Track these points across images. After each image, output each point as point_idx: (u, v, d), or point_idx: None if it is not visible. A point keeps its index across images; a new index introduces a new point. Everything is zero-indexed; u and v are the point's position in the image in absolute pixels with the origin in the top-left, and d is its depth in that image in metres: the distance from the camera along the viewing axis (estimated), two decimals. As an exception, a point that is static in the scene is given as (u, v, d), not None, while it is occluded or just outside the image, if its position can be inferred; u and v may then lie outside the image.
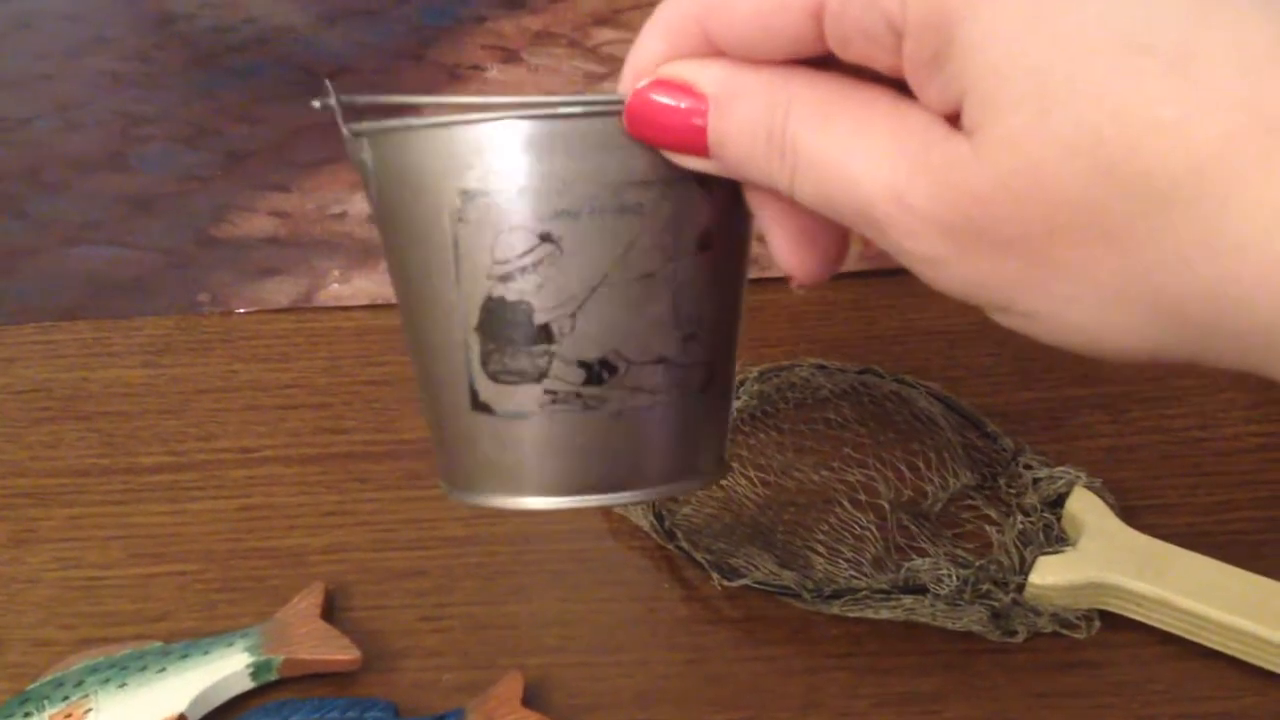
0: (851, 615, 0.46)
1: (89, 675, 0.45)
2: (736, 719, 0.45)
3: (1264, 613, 0.44)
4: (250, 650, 0.45)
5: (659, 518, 0.50)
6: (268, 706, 0.44)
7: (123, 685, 0.44)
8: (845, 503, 0.51)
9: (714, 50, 0.28)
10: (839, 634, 0.47)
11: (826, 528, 0.50)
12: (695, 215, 0.32)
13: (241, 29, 0.55)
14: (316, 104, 0.34)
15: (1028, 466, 0.51)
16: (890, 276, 0.62)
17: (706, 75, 0.27)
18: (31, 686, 0.44)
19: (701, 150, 0.28)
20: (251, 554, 0.51)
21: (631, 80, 0.29)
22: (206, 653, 0.45)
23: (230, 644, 0.46)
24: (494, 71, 0.56)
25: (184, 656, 0.45)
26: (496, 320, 0.33)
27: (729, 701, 0.45)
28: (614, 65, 0.57)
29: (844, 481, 0.52)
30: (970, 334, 0.60)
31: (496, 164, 0.31)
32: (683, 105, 0.28)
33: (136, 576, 0.50)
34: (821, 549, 0.49)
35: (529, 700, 0.44)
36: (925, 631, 0.46)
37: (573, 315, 0.32)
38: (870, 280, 0.62)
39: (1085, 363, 0.57)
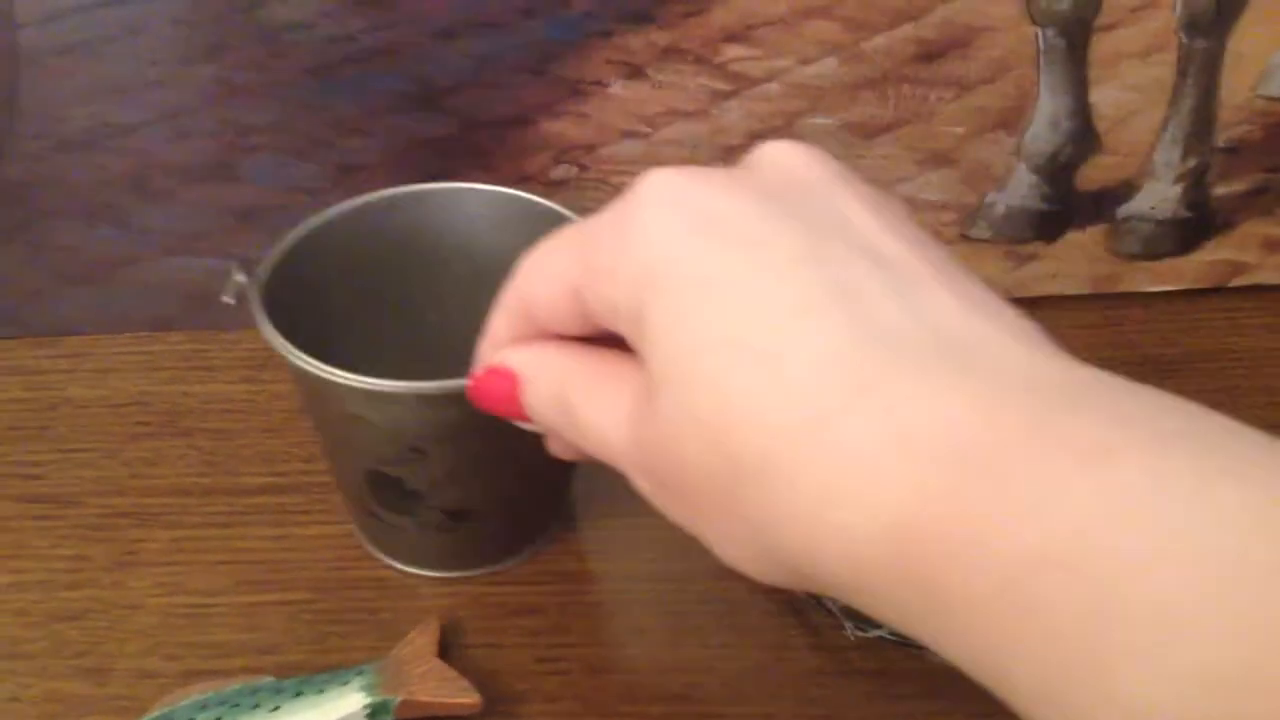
0: (991, 671, 0.44)
1: (198, 713, 0.43)
2: (870, 778, 0.42)
3: None
4: (366, 690, 0.43)
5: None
6: (385, 751, 0.42)
7: (235, 724, 0.42)
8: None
9: (538, 328, 0.34)
10: (976, 690, 0.44)
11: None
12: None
13: (359, 40, 0.53)
14: (229, 299, 0.45)
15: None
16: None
17: (516, 358, 0.35)
18: (142, 722, 0.43)
19: (524, 416, 0.35)
20: (361, 584, 0.49)
21: (481, 356, 0.37)
22: (321, 691, 0.44)
23: (346, 682, 0.44)
24: (617, 87, 0.54)
25: (298, 694, 0.43)
26: (379, 482, 0.46)
27: (861, 758, 0.43)
28: (741, 83, 0.55)
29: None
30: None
31: (376, 406, 0.43)
32: (504, 385, 0.35)
33: (243, 605, 0.48)
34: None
35: (653, 751, 0.42)
36: (1068, 691, 0.44)
37: (436, 486, 0.46)
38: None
39: (1222, 406, 0.54)
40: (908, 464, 0.25)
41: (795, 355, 0.26)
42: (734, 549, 0.29)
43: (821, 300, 0.27)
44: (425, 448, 0.44)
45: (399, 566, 0.50)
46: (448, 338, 0.48)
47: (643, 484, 0.31)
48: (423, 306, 0.52)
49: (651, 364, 0.29)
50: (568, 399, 0.33)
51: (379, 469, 0.45)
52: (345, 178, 0.56)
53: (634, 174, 0.58)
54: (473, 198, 0.50)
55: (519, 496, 0.48)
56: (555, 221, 0.48)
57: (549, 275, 0.33)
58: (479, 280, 0.51)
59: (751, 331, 0.27)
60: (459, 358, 0.44)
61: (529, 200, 0.49)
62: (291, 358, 0.43)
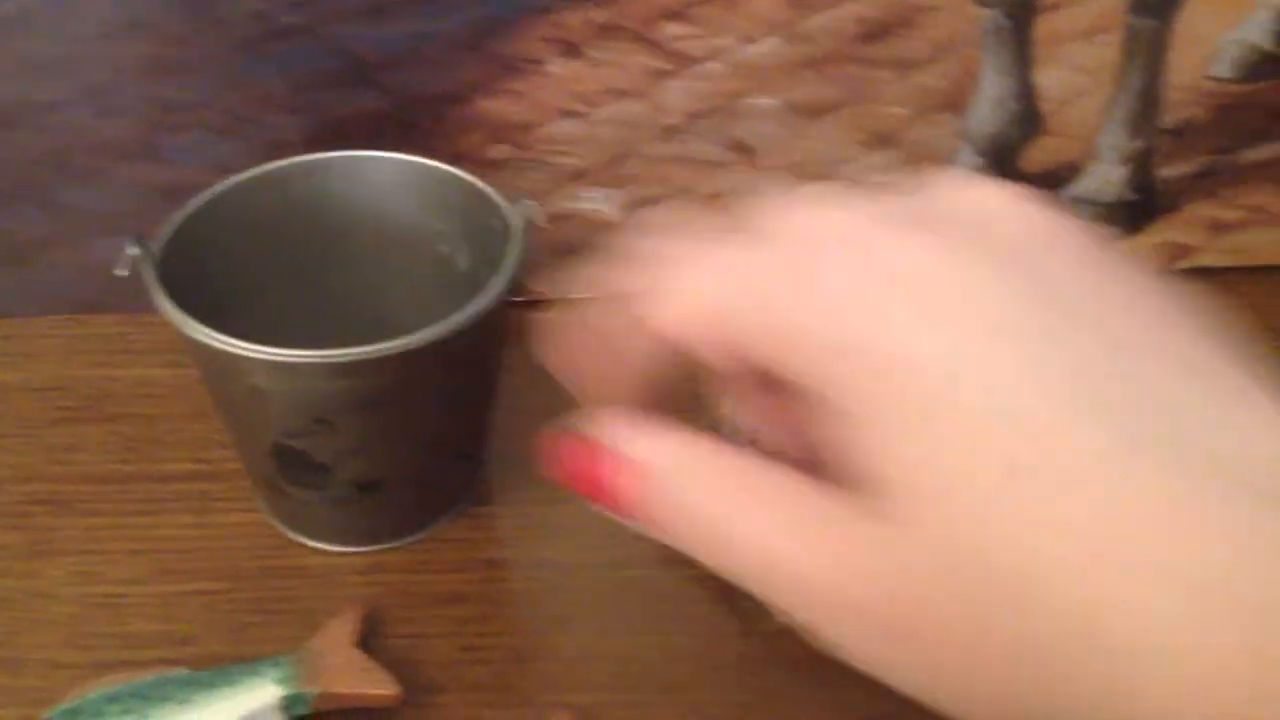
0: (924, 660, 0.43)
1: (108, 704, 0.42)
2: (799, 768, 0.42)
3: None
4: (282, 682, 0.42)
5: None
6: (299, 744, 0.41)
7: (144, 717, 0.41)
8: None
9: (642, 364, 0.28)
10: (909, 679, 0.44)
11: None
12: (430, 396, 0.44)
13: (287, 15, 0.52)
14: (122, 272, 0.44)
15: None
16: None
17: (649, 449, 0.28)
18: (46, 716, 0.41)
19: (624, 509, 0.28)
20: (283, 572, 0.48)
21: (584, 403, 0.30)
22: (235, 683, 0.42)
23: (261, 674, 0.43)
24: (555, 66, 0.53)
25: (211, 687, 0.42)
26: (286, 456, 0.45)
27: (791, 749, 0.42)
28: (682, 61, 0.54)
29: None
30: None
31: (277, 376, 0.42)
32: (615, 473, 0.28)
33: (161, 594, 0.47)
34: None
35: (577, 742, 0.41)
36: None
37: (344, 458, 0.45)
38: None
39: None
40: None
41: (1119, 498, 0.21)
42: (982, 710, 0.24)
43: (1133, 428, 0.22)
44: (332, 419, 0.43)
45: (307, 542, 0.48)
46: (355, 307, 0.47)
47: (847, 627, 0.25)
48: (329, 277, 0.50)
49: (894, 490, 0.23)
50: (717, 511, 0.27)
51: (284, 442, 0.44)
52: (274, 156, 0.54)
53: (572, 154, 0.57)
54: (378, 166, 0.49)
55: (430, 467, 0.47)
56: (463, 190, 0.47)
57: (702, 314, 0.26)
58: (386, 250, 0.50)
59: (1049, 464, 0.22)
60: (366, 327, 0.43)
61: (435, 168, 0.48)
62: (188, 330, 0.42)
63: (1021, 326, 0.23)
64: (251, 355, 0.41)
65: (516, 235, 0.45)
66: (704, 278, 0.27)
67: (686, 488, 0.27)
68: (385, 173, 0.49)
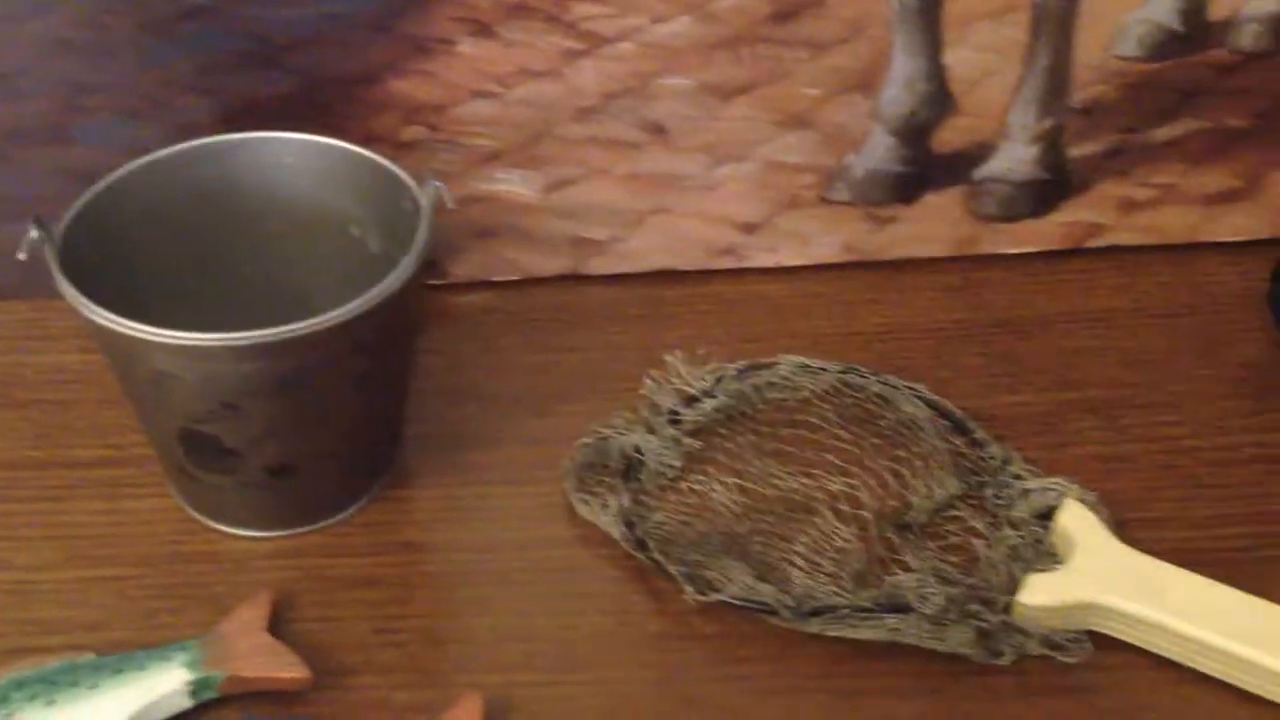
0: (831, 634, 0.44)
1: (14, 691, 0.41)
2: (708, 743, 0.42)
3: (1264, 638, 0.42)
4: (189, 666, 0.42)
5: (629, 525, 0.47)
6: (207, 728, 0.41)
7: (51, 702, 0.41)
8: (827, 512, 0.48)
9: None
10: (818, 653, 0.44)
11: (807, 539, 0.47)
12: (342, 380, 0.44)
13: (193, -5, 0.51)
14: (21, 255, 0.43)
15: (1017, 476, 0.49)
16: (873, 269, 0.60)
17: None
18: (-49, 704, 0.41)
19: None
20: (194, 557, 0.48)
21: None
22: (143, 668, 0.42)
23: (169, 659, 0.42)
24: (466, 46, 0.53)
25: (118, 672, 0.42)
26: (193, 441, 0.45)
27: (701, 724, 0.42)
28: (593, 41, 0.54)
29: (825, 490, 0.49)
30: (957, 333, 0.57)
31: (183, 361, 0.42)
32: None
33: (70, 580, 0.47)
34: (801, 561, 0.46)
35: (488, 721, 0.41)
36: (908, 652, 0.44)
37: (254, 444, 0.45)
38: (851, 273, 0.60)
39: (1077, 366, 0.55)
40: None
41: None
42: None
43: None
44: (240, 403, 0.43)
45: (220, 528, 0.48)
46: (269, 292, 0.47)
47: None
48: (241, 261, 0.50)
49: None
50: None
51: (192, 427, 0.44)
52: (186, 138, 0.54)
53: (486, 135, 0.57)
54: (287, 147, 0.49)
55: (343, 451, 0.47)
56: (372, 171, 0.47)
57: None
58: (296, 233, 0.50)
59: None
60: (280, 311, 0.43)
61: (344, 149, 0.48)
62: (88, 313, 0.41)
63: None
64: (154, 339, 0.41)
65: (425, 216, 0.45)
66: None
67: None
68: (295, 154, 0.49)
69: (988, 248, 0.60)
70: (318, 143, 0.48)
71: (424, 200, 0.46)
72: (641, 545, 0.47)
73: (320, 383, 0.43)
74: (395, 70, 0.53)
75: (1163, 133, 0.59)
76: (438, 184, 0.46)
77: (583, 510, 0.48)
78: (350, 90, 0.54)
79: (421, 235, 0.45)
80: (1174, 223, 0.61)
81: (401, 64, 0.53)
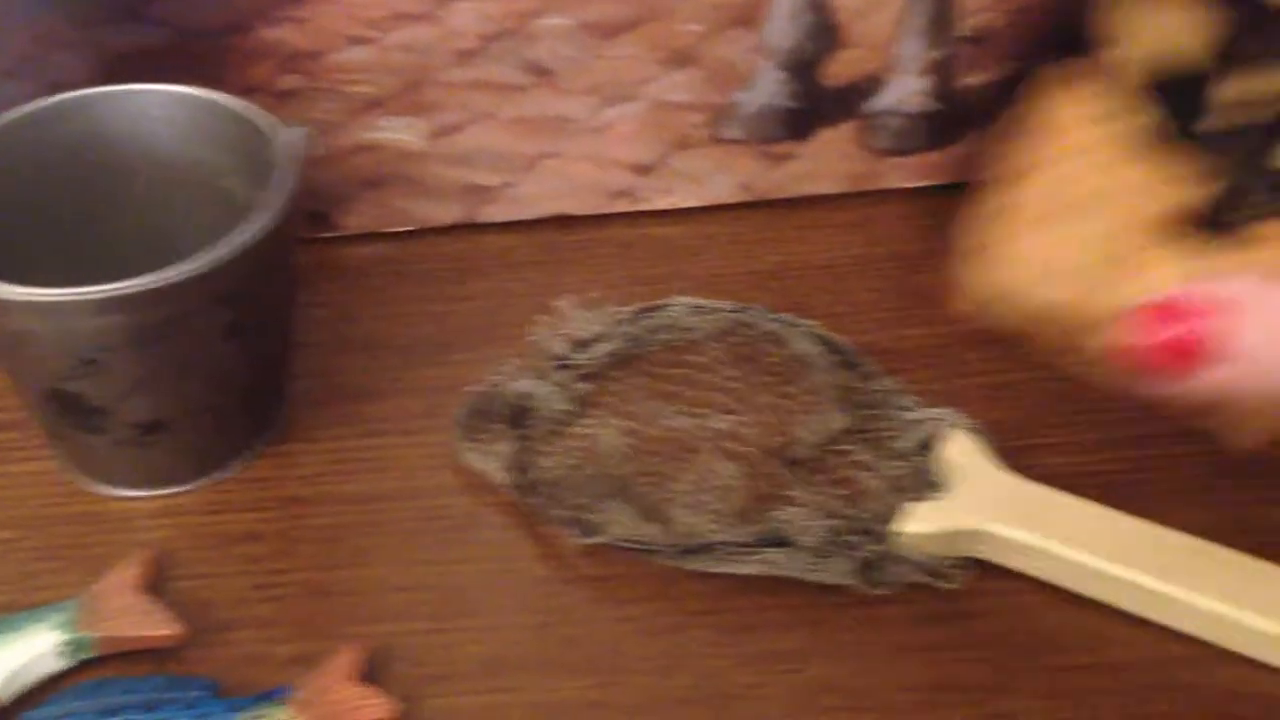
0: (715, 571, 0.44)
1: (-116, 659, 0.41)
2: (592, 684, 0.42)
3: (1144, 560, 0.42)
4: (62, 627, 0.42)
5: (516, 471, 0.47)
6: (79, 687, 0.41)
7: (-79, 668, 0.41)
8: (711, 451, 0.48)
9: None
10: (703, 590, 0.44)
11: (692, 477, 0.47)
12: (208, 332, 0.44)
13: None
14: None
15: (904, 408, 0.49)
16: (769, 208, 0.59)
17: (1239, 286, 0.28)
18: None
19: (1193, 365, 0.29)
20: (75, 519, 0.47)
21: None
22: (17, 629, 0.42)
23: (42, 620, 0.42)
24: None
25: (-9, 634, 0.42)
26: (59, 400, 0.44)
27: (585, 665, 0.42)
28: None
29: (712, 428, 0.49)
30: (853, 268, 0.57)
31: (39, 318, 0.41)
32: (1194, 321, 0.28)
33: (-54, 546, 0.46)
34: (686, 500, 0.46)
35: (370, 672, 0.41)
36: (792, 586, 0.44)
37: (122, 400, 0.44)
38: (747, 212, 0.59)
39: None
40: None
41: None
42: None
43: None
44: (100, 358, 0.42)
45: (99, 488, 0.48)
46: (142, 247, 0.46)
47: None
48: (112, 218, 0.49)
49: None
50: None
51: (58, 386, 0.43)
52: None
53: (365, 82, 0.56)
54: (151, 100, 0.48)
55: (216, 405, 0.46)
56: (237, 120, 0.47)
57: None
58: (167, 186, 0.49)
59: None
60: (154, 267, 0.42)
61: (208, 99, 0.47)
62: None
63: None
64: (7, 297, 0.40)
65: (285, 160, 0.44)
66: None
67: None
68: (161, 106, 0.48)
69: (884, 183, 0.60)
70: (183, 94, 0.48)
71: (283, 143, 0.45)
72: (528, 491, 0.46)
73: (184, 336, 0.43)
74: (266, 19, 0.52)
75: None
76: (303, 128, 0.45)
77: (471, 458, 0.48)
78: (223, 40, 0.53)
79: (281, 179, 0.44)
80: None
81: (272, 11, 0.52)
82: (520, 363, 0.51)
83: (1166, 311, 0.29)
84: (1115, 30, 0.30)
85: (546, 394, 0.50)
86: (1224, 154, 0.33)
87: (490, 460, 0.48)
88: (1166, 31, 0.33)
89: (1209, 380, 0.29)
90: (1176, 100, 0.31)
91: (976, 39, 0.57)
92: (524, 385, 0.50)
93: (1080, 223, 0.35)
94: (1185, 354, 0.29)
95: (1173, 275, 0.29)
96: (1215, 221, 0.32)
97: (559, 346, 0.52)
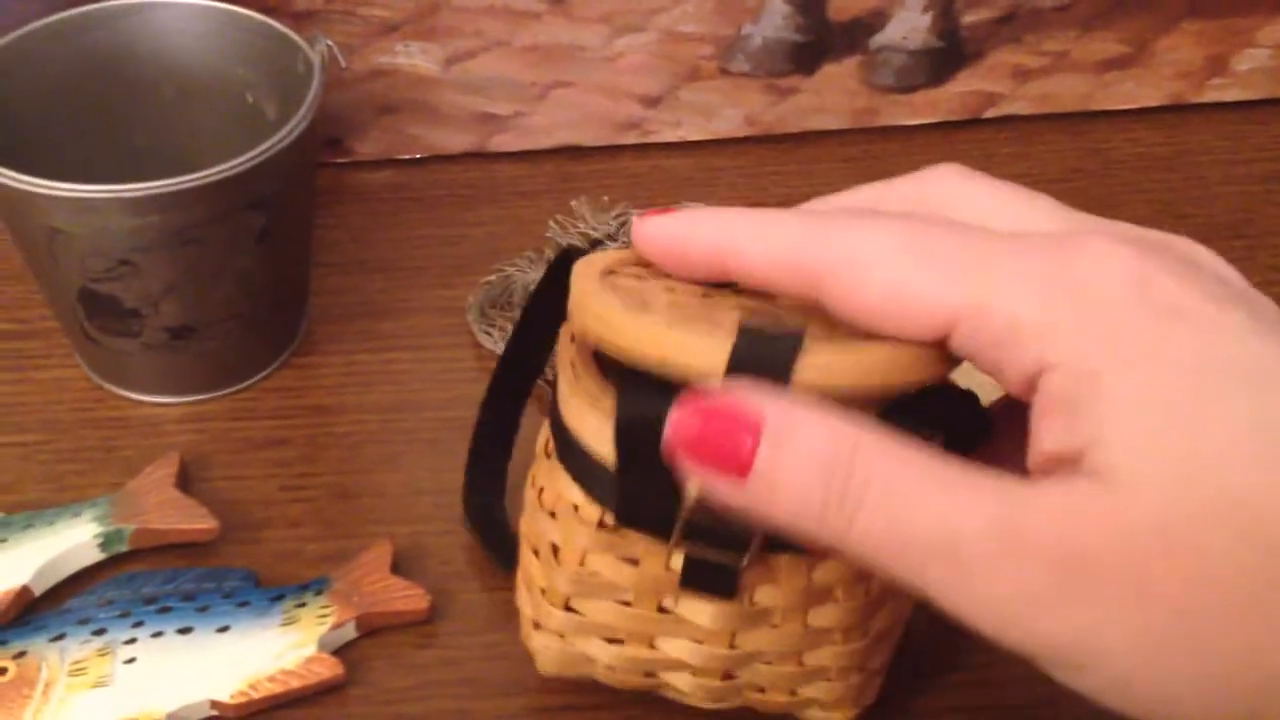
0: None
1: (-78, 549, 0.42)
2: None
3: None
4: (99, 520, 0.43)
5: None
6: (118, 578, 0.41)
7: (-41, 558, 0.41)
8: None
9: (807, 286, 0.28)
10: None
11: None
12: (239, 237, 0.44)
13: None
14: None
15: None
16: (774, 142, 0.61)
17: (769, 405, 0.27)
18: None
19: (738, 474, 0.27)
20: (102, 423, 0.48)
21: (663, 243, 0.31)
22: (52, 523, 0.43)
23: (77, 514, 0.43)
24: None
25: (27, 526, 0.42)
26: (92, 302, 0.45)
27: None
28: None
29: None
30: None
31: (76, 216, 0.42)
32: (732, 432, 0.27)
33: (-23, 449, 0.47)
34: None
35: (398, 568, 0.42)
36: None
37: (155, 303, 0.45)
38: (753, 147, 0.61)
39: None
40: None
41: None
42: (1146, 661, 0.25)
43: None
44: (135, 259, 0.43)
45: (127, 394, 0.49)
46: (162, 162, 0.47)
47: (1033, 579, 0.25)
48: (135, 131, 0.50)
49: (1120, 439, 0.25)
50: (855, 471, 0.26)
51: (90, 287, 0.44)
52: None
53: (380, 5, 0.57)
54: (177, 13, 0.48)
55: (244, 313, 0.47)
56: (264, 34, 0.47)
57: (910, 281, 0.27)
58: (190, 100, 0.50)
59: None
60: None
61: (233, 11, 0.48)
62: None
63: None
64: (47, 193, 0.41)
65: (316, 73, 0.45)
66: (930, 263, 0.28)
67: (803, 441, 0.27)
68: (184, 19, 0.48)
69: (886, 119, 0.61)
70: (207, 6, 0.48)
71: (315, 58, 0.46)
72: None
73: (217, 239, 0.43)
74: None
75: None
76: (329, 42, 0.46)
77: (485, 341, 0.50)
78: (244, -39, 0.53)
79: (313, 91, 0.45)
80: (1067, 91, 0.62)
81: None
82: (533, 254, 0.53)
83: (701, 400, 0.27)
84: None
85: None
86: None
87: (504, 343, 0.49)
88: None
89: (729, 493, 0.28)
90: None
91: (979, -23, 0.59)
92: (536, 275, 0.51)
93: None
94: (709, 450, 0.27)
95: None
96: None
97: (573, 241, 0.53)
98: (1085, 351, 0.26)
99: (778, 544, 0.32)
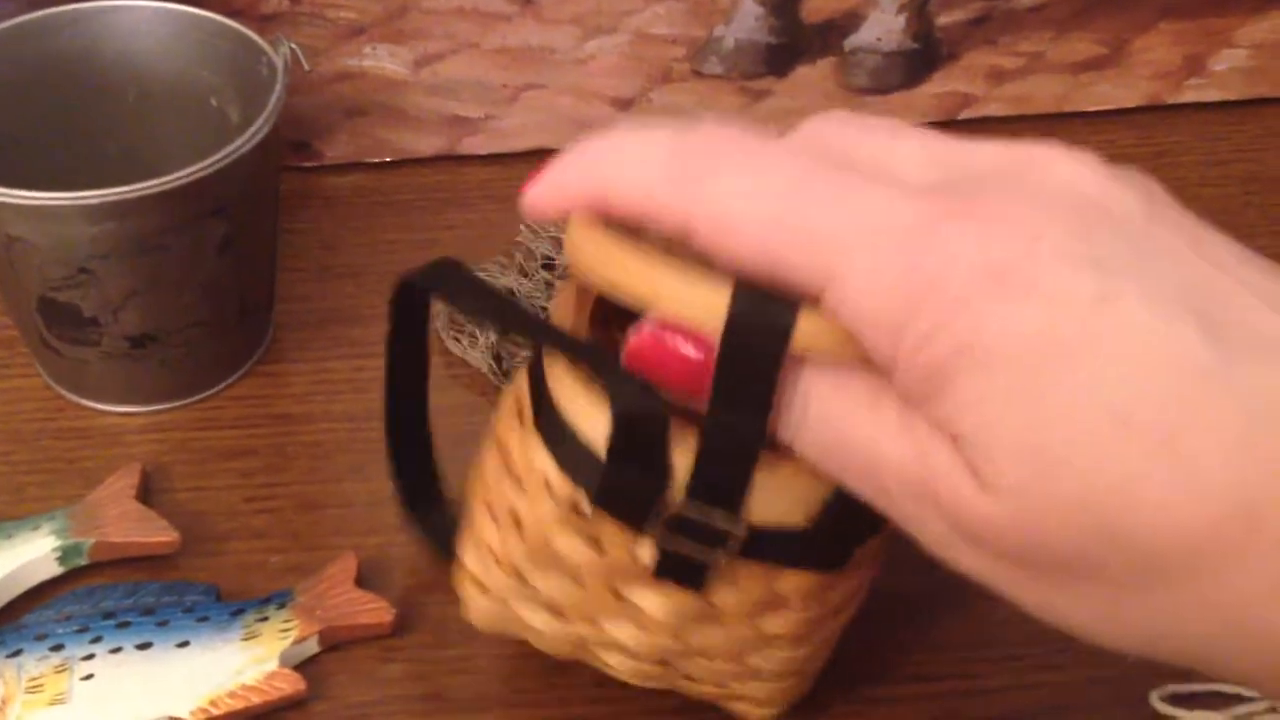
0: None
1: (-124, 564, 0.41)
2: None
3: None
4: (57, 533, 0.42)
5: (497, 360, 0.48)
6: (77, 592, 0.41)
7: (-86, 575, 0.41)
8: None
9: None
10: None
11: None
12: (201, 244, 0.44)
13: None
14: None
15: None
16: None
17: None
18: None
19: (701, 393, 0.28)
20: (63, 433, 0.47)
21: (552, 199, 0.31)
22: (9, 536, 0.42)
23: (35, 527, 0.42)
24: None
25: (-17, 542, 0.42)
26: (51, 311, 0.44)
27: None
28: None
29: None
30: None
31: (34, 223, 0.41)
32: (689, 352, 0.28)
33: (-68, 460, 0.46)
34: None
35: (364, 581, 0.42)
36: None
37: (115, 311, 0.44)
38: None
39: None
40: None
41: (1197, 436, 0.23)
42: (1095, 621, 0.26)
43: (1214, 367, 0.23)
44: (94, 268, 0.42)
45: (89, 404, 0.48)
46: (127, 166, 0.46)
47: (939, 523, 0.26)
48: (97, 133, 0.49)
49: (978, 433, 0.25)
50: (801, 381, 0.27)
51: (50, 296, 0.43)
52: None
53: (348, 7, 0.56)
54: (141, 16, 0.48)
55: (206, 321, 0.46)
56: (227, 36, 0.47)
57: (756, 215, 0.27)
58: (155, 104, 0.49)
59: (1138, 406, 0.24)
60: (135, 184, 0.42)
61: (198, 15, 0.47)
62: None
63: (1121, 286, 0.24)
64: (3, 200, 0.40)
65: (280, 75, 0.44)
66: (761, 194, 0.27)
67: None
68: (149, 22, 0.48)
69: (861, 120, 0.61)
70: (171, 10, 0.48)
71: (278, 61, 0.45)
72: (506, 380, 0.48)
73: (178, 246, 0.43)
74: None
75: None
76: (292, 44, 0.45)
77: (453, 347, 0.49)
78: (209, -37, 0.53)
79: (275, 94, 0.44)
80: (1043, 93, 0.62)
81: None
82: (504, 260, 0.52)
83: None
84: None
85: (529, 290, 0.51)
86: None
87: (471, 349, 0.49)
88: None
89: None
90: None
91: (953, -22, 0.58)
92: (507, 280, 0.51)
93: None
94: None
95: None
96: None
97: (544, 247, 0.53)
98: (936, 347, 0.25)
99: (752, 549, 0.31)
